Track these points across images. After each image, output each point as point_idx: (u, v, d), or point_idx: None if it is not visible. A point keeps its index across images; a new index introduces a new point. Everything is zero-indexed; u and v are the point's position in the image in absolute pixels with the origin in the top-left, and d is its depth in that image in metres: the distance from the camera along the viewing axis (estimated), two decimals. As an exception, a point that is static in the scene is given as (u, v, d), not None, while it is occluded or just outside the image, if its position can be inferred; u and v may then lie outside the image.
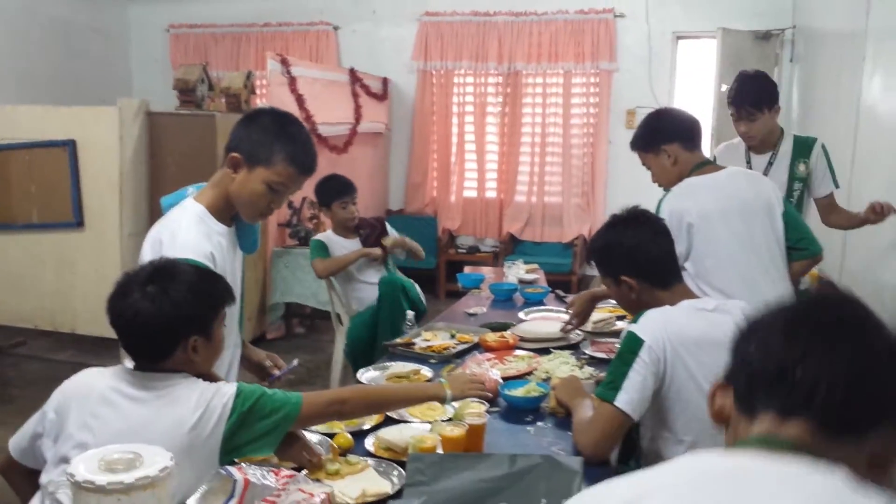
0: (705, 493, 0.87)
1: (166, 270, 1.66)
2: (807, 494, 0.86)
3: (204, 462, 1.53)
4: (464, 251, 7.27)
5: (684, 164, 2.67)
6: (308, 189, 5.44)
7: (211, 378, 1.68)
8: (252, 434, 1.60)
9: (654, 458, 1.94)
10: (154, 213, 4.82)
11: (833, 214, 3.25)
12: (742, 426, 0.99)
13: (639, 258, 2.04)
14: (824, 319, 1.00)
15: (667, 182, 2.71)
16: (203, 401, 1.57)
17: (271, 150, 1.97)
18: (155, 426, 1.53)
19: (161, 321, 1.59)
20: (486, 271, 4.74)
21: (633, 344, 1.87)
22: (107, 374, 1.65)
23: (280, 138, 1.98)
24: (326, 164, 5.70)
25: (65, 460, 1.50)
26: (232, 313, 1.99)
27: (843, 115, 4.09)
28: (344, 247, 4.20)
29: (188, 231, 1.95)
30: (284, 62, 5.67)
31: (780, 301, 1.06)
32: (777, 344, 1.00)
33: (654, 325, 1.89)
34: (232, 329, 2.10)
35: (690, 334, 1.87)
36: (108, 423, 1.56)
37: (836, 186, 3.19)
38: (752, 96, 3.11)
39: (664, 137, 2.67)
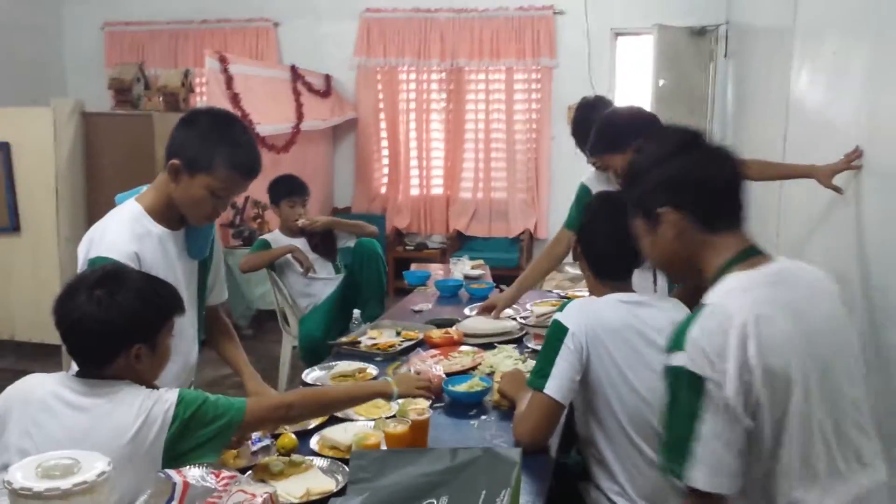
0: (780, 288, 1.36)
1: (115, 275, 1.65)
2: (816, 275, 1.45)
3: (146, 470, 1.52)
4: (412, 248, 7.29)
5: None
6: (251, 189, 5.39)
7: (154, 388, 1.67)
8: (195, 441, 1.59)
9: (588, 443, 1.99)
10: (91, 215, 4.72)
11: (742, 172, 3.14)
12: (707, 240, 1.43)
13: (593, 242, 2.13)
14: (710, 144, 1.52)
15: None
16: (143, 409, 1.56)
17: (212, 156, 1.92)
18: (95, 435, 1.51)
19: (105, 326, 1.57)
20: (434, 268, 4.77)
21: (558, 332, 1.93)
22: (49, 381, 1.63)
23: (221, 143, 1.94)
24: (269, 164, 5.65)
25: (5, 468, 1.48)
26: (182, 324, 1.95)
27: (773, 108, 4.22)
28: (290, 246, 4.20)
29: (116, 231, 1.94)
30: (223, 60, 5.60)
31: (670, 132, 1.56)
32: (727, 166, 1.46)
33: (578, 313, 1.95)
34: (184, 338, 2.06)
35: (612, 324, 1.93)
36: (49, 432, 1.54)
37: None
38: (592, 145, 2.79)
39: (631, 135, 2.52)
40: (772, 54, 4.51)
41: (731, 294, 1.33)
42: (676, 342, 1.30)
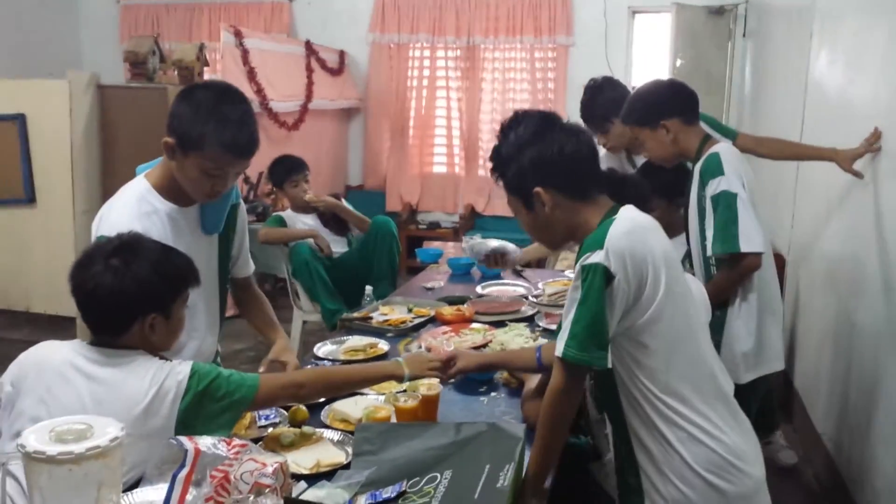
0: (646, 231, 1.59)
1: (131, 245, 1.66)
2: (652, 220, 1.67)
3: (159, 442, 1.52)
4: (424, 227, 7.28)
5: (685, 139, 2.54)
6: (265, 165, 5.42)
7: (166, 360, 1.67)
8: (206, 416, 1.60)
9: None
10: (106, 188, 4.74)
11: (760, 149, 3.06)
12: (580, 206, 1.62)
13: None
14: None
15: (663, 159, 2.60)
16: (156, 380, 1.57)
17: (202, 134, 1.84)
18: (108, 404, 1.52)
19: (120, 296, 1.59)
20: (447, 246, 4.77)
21: None
22: (64, 348, 1.65)
23: (211, 120, 1.84)
24: (282, 139, 5.66)
25: (19, 434, 1.50)
26: (193, 300, 1.91)
27: (792, 88, 4.17)
28: (304, 223, 4.26)
29: (120, 209, 1.93)
30: (238, 34, 5.60)
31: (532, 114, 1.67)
32: (583, 141, 1.62)
33: None
34: (197, 316, 2.05)
35: None
36: (62, 400, 1.56)
37: (734, 136, 2.99)
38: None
39: (664, 112, 2.52)
40: (791, 34, 4.45)
41: (636, 215, 1.60)
42: (596, 243, 1.50)
